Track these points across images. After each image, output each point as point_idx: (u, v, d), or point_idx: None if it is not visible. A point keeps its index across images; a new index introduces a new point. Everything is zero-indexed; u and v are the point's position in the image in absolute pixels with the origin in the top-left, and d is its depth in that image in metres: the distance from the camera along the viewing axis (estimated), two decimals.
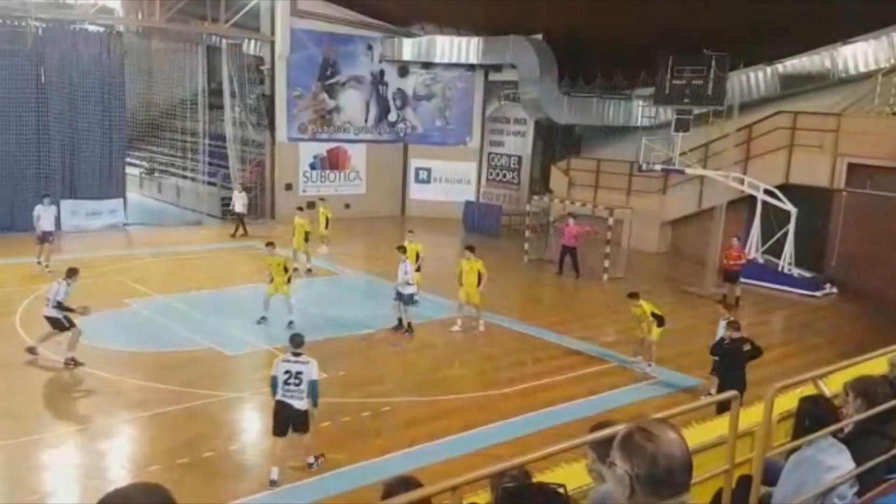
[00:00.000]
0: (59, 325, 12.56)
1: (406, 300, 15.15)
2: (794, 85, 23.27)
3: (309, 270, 19.52)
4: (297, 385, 8.82)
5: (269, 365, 12.94)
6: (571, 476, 3.77)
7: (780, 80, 23.44)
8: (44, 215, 18.86)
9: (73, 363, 12.33)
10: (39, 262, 18.46)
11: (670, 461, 2.12)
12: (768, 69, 23.50)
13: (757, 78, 23.71)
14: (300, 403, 8.86)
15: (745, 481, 3.98)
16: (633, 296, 13.82)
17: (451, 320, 15.78)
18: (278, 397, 8.89)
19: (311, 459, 9.19)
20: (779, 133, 22.04)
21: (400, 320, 15.28)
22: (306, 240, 19.47)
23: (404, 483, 3.23)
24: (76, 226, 23.47)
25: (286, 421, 8.90)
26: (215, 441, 10.06)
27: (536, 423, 10.85)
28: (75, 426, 10.40)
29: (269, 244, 15.99)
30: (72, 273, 12.82)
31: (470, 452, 9.82)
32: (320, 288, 18.75)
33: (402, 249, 15.99)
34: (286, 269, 15.36)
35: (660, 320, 13.56)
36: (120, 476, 9.07)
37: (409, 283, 15.08)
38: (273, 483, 8.83)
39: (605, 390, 12.53)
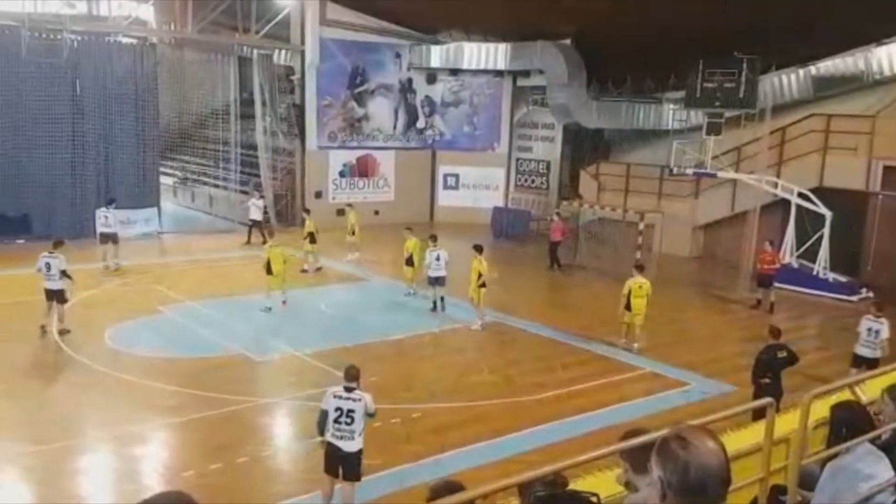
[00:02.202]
0: (62, 297, 14.18)
1: (442, 282, 16.85)
2: (828, 87, 22.89)
3: (304, 270, 20.32)
4: (348, 424, 8.02)
5: (299, 370, 13.16)
6: (604, 484, 3.74)
7: (814, 82, 23.08)
8: (108, 218, 20.16)
9: (66, 332, 14.15)
10: (107, 266, 19.62)
11: (703, 471, 2.09)
12: (801, 71, 23.16)
13: (789, 80, 23.39)
14: (351, 445, 8.06)
15: (779, 490, 3.93)
16: (639, 267, 15.14)
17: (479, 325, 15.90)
18: (328, 438, 8.10)
19: None
20: (812, 136, 21.75)
21: (435, 302, 17.01)
22: (312, 241, 20.51)
23: (450, 487, 3.24)
24: None
25: (336, 464, 8.18)
26: (248, 446, 10.14)
27: (568, 430, 10.80)
28: (110, 431, 10.54)
29: (270, 234, 17.85)
30: (58, 244, 14.52)
31: (502, 459, 9.81)
32: (349, 294, 18.86)
33: (434, 238, 17.36)
34: (269, 263, 16.47)
35: (626, 303, 14.70)
36: (154, 481, 9.19)
37: (435, 269, 16.78)
38: None
39: (637, 397, 12.43)
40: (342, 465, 8.14)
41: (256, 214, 24.24)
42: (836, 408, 4.21)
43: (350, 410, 8.01)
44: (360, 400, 8.06)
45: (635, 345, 14.83)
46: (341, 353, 13.75)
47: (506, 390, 12.68)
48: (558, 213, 23.24)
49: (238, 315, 16.28)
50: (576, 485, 3.65)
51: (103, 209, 20.51)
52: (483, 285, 15.86)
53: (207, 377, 12.55)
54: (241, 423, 10.96)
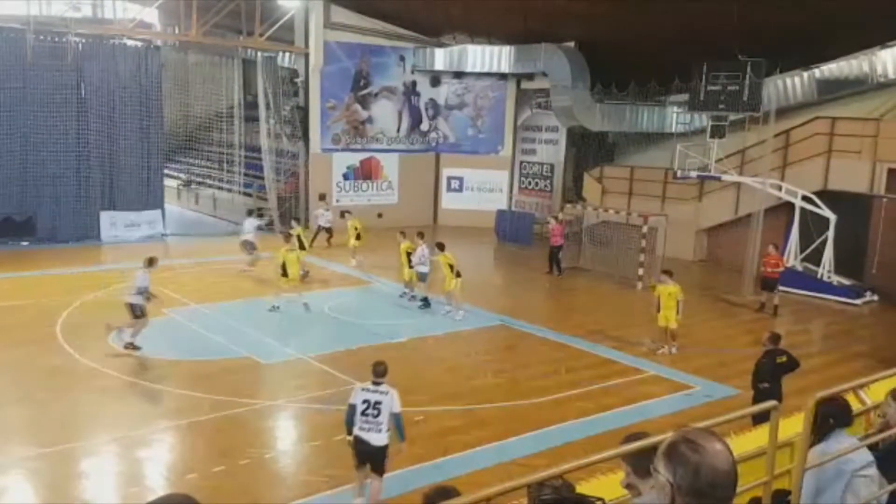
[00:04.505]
0: (136, 312, 13.64)
1: (422, 278, 17.54)
2: (832, 90, 22.89)
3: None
4: (374, 416, 8.18)
5: (304, 373, 13.17)
6: (609, 488, 3.74)
7: (818, 85, 23.07)
8: (246, 227, 21.04)
9: (132, 347, 13.56)
10: (248, 269, 20.32)
11: (714, 474, 2.11)
12: (805, 74, 23.15)
13: (794, 83, 23.38)
14: (378, 438, 8.20)
15: (783, 494, 3.93)
16: (667, 272, 15.15)
17: (486, 330, 16.01)
18: (355, 431, 8.26)
19: None
20: (816, 139, 21.71)
21: (426, 298, 17.57)
22: (301, 247, 20.40)
23: (444, 492, 3.24)
24: (115, 237, 23.90)
25: (364, 457, 8.35)
26: (251, 449, 10.15)
27: (573, 433, 10.80)
28: (115, 434, 10.55)
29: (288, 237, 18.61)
30: (151, 262, 14.14)
31: (506, 462, 9.79)
32: (352, 297, 18.87)
33: (421, 235, 18.18)
34: (285, 265, 16.90)
35: (678, 308, 14.75)
36: (158, 484, 9.21)
37: (424, 264, 17.48)
38: None
39: (642, 400, 12.41)
40: (370, 461, 8.31)
41: (325, 221, 24.22)
42: (819, 403, 4.28)
43: (377, 402, 8.20)
44: (387, 393, 8.26)
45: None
46: (346, 356, 13.80)
47: (511, 393, 12.67)
48: (556, 217, 23.18)
49: (243, 318, 16.29)
50: (580, 488, 3.65)
51: (248, 219, 21.54)
52: (458, 275, 16.67)
53: (212, 380, 12.56)
54: (245, 426, 10.97)
